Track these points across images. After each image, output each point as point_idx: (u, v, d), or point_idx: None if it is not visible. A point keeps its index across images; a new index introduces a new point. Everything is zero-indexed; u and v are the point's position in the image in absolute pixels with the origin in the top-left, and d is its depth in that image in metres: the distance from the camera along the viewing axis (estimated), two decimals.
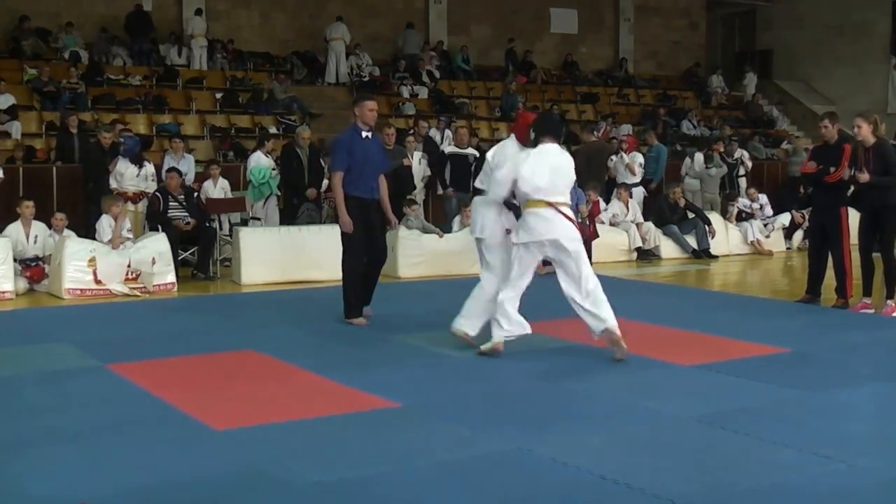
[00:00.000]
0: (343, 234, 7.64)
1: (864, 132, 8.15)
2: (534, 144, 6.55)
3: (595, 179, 12.88)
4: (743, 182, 15.66)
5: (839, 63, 22.90)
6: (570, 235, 6.41)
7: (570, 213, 6.51)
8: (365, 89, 18.52)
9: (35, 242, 9.94)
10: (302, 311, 8.49)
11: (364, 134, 7.66)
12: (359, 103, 7.80)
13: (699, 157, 15.52)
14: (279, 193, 12.35)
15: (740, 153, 16.18)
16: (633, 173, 13.70)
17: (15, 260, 9.55)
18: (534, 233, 6.39)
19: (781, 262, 12.73)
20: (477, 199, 6.88)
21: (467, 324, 6.71)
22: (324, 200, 12.45)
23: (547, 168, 6.42)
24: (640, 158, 13.97)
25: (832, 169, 8.26)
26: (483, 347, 6.51)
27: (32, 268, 9.76)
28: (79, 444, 4.65)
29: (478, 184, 6.93)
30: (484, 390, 5.74)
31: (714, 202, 14.82)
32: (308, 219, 11.60)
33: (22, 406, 5.37)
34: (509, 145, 6.78)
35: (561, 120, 6.63)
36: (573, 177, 6.66)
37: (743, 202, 13.88)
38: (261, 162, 12.41)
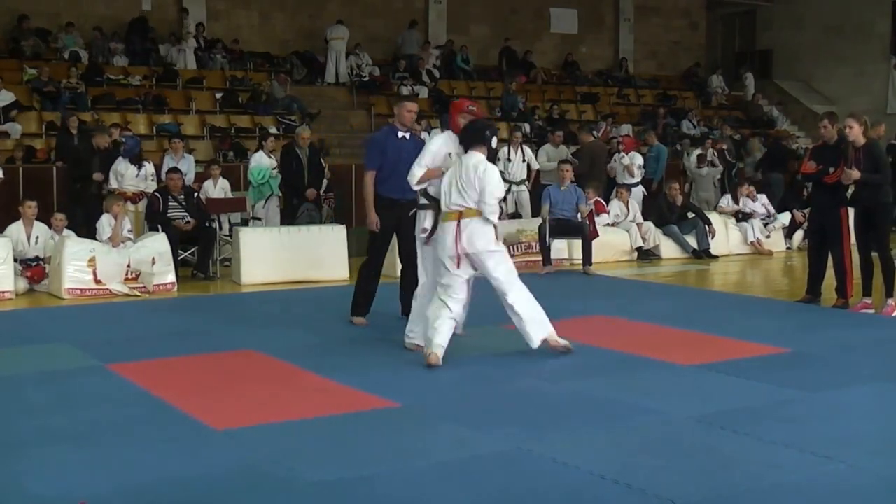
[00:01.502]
0: (370, 233, 7.65)
1: (856, 132, 8.16)
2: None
3: (596, 179, 12.90)
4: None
5: (839, 63, 22.89)
6: None
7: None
8: (365, 89, 18.56)
9: (36, 243, 9.91)
10: (302, 311, 8.49)
11: (400, 134, 7.61)
12: (399, 103, 7.92)
13: (694, 156, 15.50)
14: (280, 194, 12.35)
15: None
16: (632, 174, 13.67)
17: (15, 260, 9.54)
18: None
19: (781, 262, 12.71)
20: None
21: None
22: (324, 200, 12.44)
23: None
24: (639, 160, 13.94)
25: (832, 169, 8.26)
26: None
27: (33, 268, 9.74)
28: (79, 443, 4.65)
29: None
30: (484, 390, 5.75)
31: (710, 201, 14.77)
32: (308, 219, 11.59)
33: (22, 406, 5.37)
34: (450, 142, 6.75)
35: (485, 127, 6.47)
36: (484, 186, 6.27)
37: (743, 201, 13.85)
38: (262, 162, 12.41)
